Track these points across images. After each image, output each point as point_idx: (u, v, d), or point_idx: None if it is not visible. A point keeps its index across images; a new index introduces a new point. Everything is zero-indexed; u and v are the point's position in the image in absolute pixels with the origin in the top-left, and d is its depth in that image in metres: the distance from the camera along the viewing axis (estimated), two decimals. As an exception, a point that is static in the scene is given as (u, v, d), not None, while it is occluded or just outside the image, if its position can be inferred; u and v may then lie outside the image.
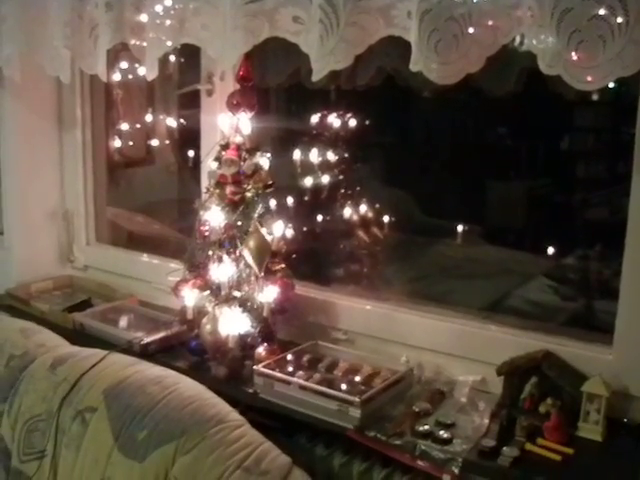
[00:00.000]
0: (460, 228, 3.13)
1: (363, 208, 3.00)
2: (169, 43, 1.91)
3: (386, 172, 3.29)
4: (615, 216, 3.18)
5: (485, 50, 1.45)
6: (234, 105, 2.08)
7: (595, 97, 3.05)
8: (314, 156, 2.88)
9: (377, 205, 3.04)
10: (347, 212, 2.98)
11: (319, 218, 3.00)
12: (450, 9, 1.43)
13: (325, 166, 2.94)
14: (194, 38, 1.88)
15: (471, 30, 1.44)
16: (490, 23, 1.45)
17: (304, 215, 2.89)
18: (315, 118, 2.97)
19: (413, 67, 1.47)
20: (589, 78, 1.32)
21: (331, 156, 2.93)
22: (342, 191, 3.00)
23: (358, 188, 3.03)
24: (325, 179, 2.92)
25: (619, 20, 1.29)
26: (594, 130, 3.26)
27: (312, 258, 2.78)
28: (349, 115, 2.97)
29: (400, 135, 3.21)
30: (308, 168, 2.93)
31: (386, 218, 3.04)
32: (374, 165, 3.27)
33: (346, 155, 2.96)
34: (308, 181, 2.90)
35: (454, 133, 3.30)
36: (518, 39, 1.69)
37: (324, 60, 1.56)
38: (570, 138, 3.29)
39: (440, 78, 1.45)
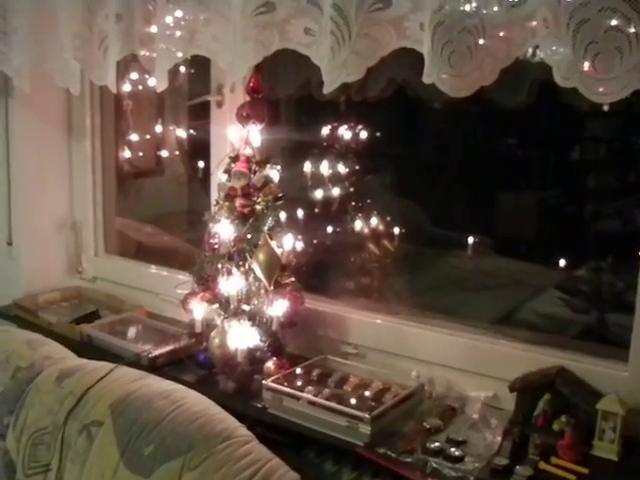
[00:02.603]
0: (470, 240, 3.12)
1: (373, 220, 2.98)
2: (179, 54, 1.90)
3: (396, 183, 3.28)
4: (627, 227, 3.17)
5: (499, 62, 1.43)
6: (244, 117, 2.06)
7: (606, 108, 3.03)
8: (324, 168, 2.86)
9: (387, 217, 3.02)
10: (357, 224, 2.96)
11: (328, 230, 2.98)
12: (463, 21, 1.41)
13: (335, 178, 2.92)
14: (204, 49, 1.86)
15: (485, 42, 1.42)
16: (504, 35, 1.42)
17: (313, 227, 2.87)
18: (325, 130, 2.96)
19: (426, 79, 1.45)
20: (606, 90, 1.30)
21: (341, 168, 2.92)
22: (352, 203, 2.98)
23: (368, 200, 3.02)
24: (335, 191, 2.90)
25: (636, 31, 1.27)
26: (605, 140, 3.24)
27: (320, 270, 2.76)
28: (359, 127, 2.96)
29: (410, 147, 3.20)
30: (317, 180, 2.91)
31: (396, 230, 3.02)
32: (384, 177, 3.26)
33: (356, 167, 2.95)
34: (317, 193, 2.88)
35: (464, 144, 3.28)
36: (530, 50, 1.68)
37: (335, 73, 1.54)
38: (581, 149, 3.27)
39: (453, 90, 1.43)
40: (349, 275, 2.93)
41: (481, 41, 1.42)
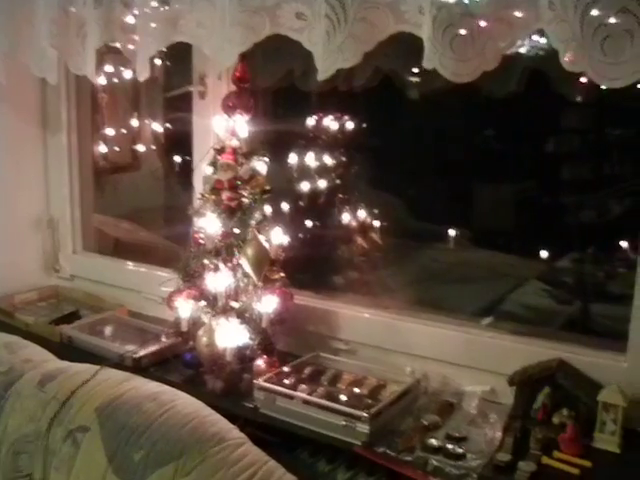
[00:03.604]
0: (450, 233, 3.11)
1: (354, 213, 2.93)
2: (162, 42, 1.82)
3: (375, 177, 3.24)
4: (606, 218, 3.18)
5: (502, 47, 1.38)
6: (230, 107, 2.00)
7: (582, 99, 3.04)
8: (301, 160, 2.80)
9: (368, 210, 2.98)
10: (339, 218, 2.92)
11: (309, 224, 2.93)
12: (465, 4, 1.36)
13: (317, 171, 2.87)
14: (189, 36, 1.79)
15: (487, 25, 1.36)
16: (507, 18, 1.37)
17: (295, 221, 2.82)
18: (306, 121, 2.90)
19: (427, 64, 1.39)
20: (616, 75, 1.25)
21: (322, 161, 2.86)
22: (334, 196, 2.93)
23: (348, 195, 2.97)
24: (315, 184, 2.85)
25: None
26: (583, 132, 3.24)
27: (304, 265, 2.70)
28: (341, 118, 2.91)
29: (389, 140, 3.16)
30: (297, 173, 2.86)
31: (377, 223, 2.98)
32: (364, 169, 3.21)
33: (340, 159, 2.89)
34: (298, 186, 2.82)
35: (444, 137, 3.27)
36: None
37: (331, 58, 1.48)
38: (559, 140, 3.27)
39: (456, 76, 1.38)
40: (333, 269, 2.89)
41: (483, 24, 1.36)
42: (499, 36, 1.38)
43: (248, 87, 2.01)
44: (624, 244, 2.76)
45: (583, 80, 2.71)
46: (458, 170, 3.24)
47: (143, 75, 1.90)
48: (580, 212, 3.20)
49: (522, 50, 2.26)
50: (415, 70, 2.53)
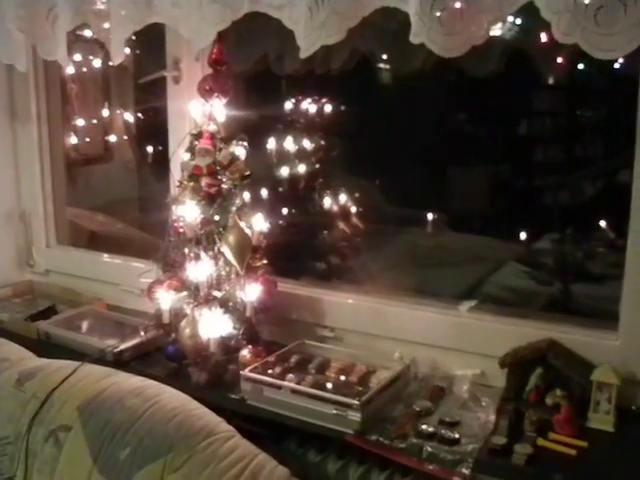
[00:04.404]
0: (428, 217, 3.11)
1: (335, 198, 2.90)
2: (136, 23, 1.75)
3: (354, 161, 3.22)
4: (580, 199, 3.20)
5: (491, 20, 1.33)
6: (206, 91, 1.94)
7: (554, 81, 3.05)
8: (279, 145, 2.75)
9: (348, 194, 2.95)
10: (320, 203, 2.88)
11: (290, 210, 2.90)
12: (453, -25, 1.31)
13: (296, 155, 2.83)
14: (164, 16, 1.73)
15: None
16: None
17: (275, 208, 2.78)
18: (283, 106, 2.86)
19: (414, 39, 1.35)
20: (610, 46, 1.22)
21: (301, 145, 2.82)
22: (314, 181, 2.90)
23: (328, 179, 2.94)
24: (295, 169, 2.80)
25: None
26: (558, 114, 3.26)
27: (285, 252, 2.67)
28: (318, 102, 2.87)
29: (369, 122, 3.14)
30: (276, 158, 2.82)
31: (357, 209, 2.96)
32: (343, 153, 3.18)
33: (319, 143, 2.85)
34: (277, 172, 2.78)
35: (425, 120, 3.26)
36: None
37: (314, 35, 1.43)
38: (535, 123, 3.29)
39: (445, 51, 1.33)
40: (315, 255, 2.86)
41: (473, -2, 1.32)
42: (488, 9, 1.33)
43: (225, 69, 1.95)
44: (602, 224, 2.77)
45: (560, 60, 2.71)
46: (435, 154, 3.24)
47: (118, 58, 1.84)
48: (556, 193, 3.22)
49: (501, 30, 2.24)
50: (393, 52, 2.49)
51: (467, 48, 1.34)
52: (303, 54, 1.47)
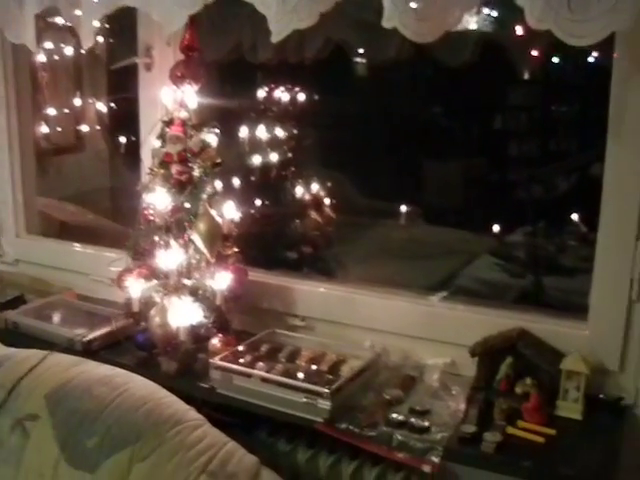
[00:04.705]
0: (402, 209, 3.10)
1: (307, 188, 2.88)
2: (107, 6, 1.73)
3: (323, 152, 3.20)
4: (553, 193, 3.22)
5: (464, 7, 1.33)
6: (178, 77, 1.92)
7: (529, 76, 3.06)
8: (252, 133, 2.73)
9: (315, 185, 2.93)
10: (292, 192, 2.86)
11: (261, 199, 2.87)
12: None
13: (269, 144, 2.80)
14: (135, 0, 1.70)
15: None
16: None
17: (247, 196, 2.76)
18: (256, 94, 2.83)
19: (386, 24, 1.34)
20: (583, 32, 1.22)
21: (273, 133, 2.79)
22: (286, 170, 2.87)
23: (300, 168, 2.92)
24: (267, 158, 2.78)
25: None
26: (531, 109, 3.28)
27: (256, 241, 2.65)
28: (292, 90, 2.85)
29: (342, 111, 3.13)
30: (248, 146, 2.79)
31: (329, 200, 2.94)
32: (316, 143, 3.17)
33: (291, 132, 2.83)
34: (249, 160, 2.75)
35: (398, 112, 3.25)
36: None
37: (286, 19, 1.42)
38: (508, 117, 3.30)
39: (417, 35, 1.33)
40: (287, 245, 2.84)
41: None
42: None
43: (197, 56, 1.93)
44: (574, 217, 2.78)
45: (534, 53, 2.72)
46: (409, 146, 3.24)
47: (88, 43, 1.81)
48: (530, 187, 3.23)
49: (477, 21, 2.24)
50: (367, 42, 2.48)
51: (440, 33, 1.34)
52: (275, 38, 1.46)
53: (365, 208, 3.25)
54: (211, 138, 1.96)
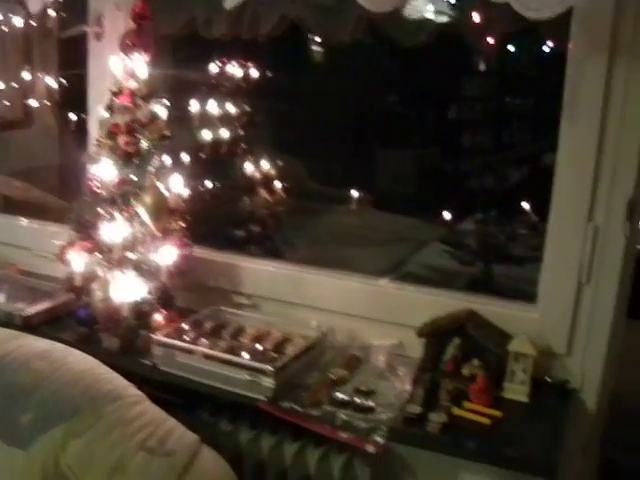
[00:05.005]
0: (353, 195, 3.09)
1: (250, 168, 2.82)
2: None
3: (274, 132, 3.16)
4: (503, 183, 3.25)
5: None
6: (128, 46, 1.87)
7: (484, 67, 3.08)
8: (203, 107, 2.66)
9: (266, 163, 2.88)
10: (242, 169, 2.80)
11: (211, 175, 2.81)
12: None
13: (220, 119, 2.74)
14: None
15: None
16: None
17: (196, 172, 2.70)
18: (209, 68, 2.76)
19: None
20: (540, 5, 1.20)
21: (225, 109, 2.73)
22: (237, 146, 2.82)
23: (251, 145, 2.87)
24: (217, 133, 2.71)
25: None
26: (485, 100, 3.30)
27: (205, 218, 2.60)
28: (244, 66, 2.79)
29: (293, 94, 3.09)
30: (199, 121, 2.73)
31: (276, 181, 2.89)
32: (263, 124, 3.12)
33: (243, 108, 2.78)
34: (199, 135, 2.68)
35: (352, 97, 3.23)
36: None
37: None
38: (459, 107, 3.32)
39: (374, 5, 1.30)
40: (235, 223, 2.79)
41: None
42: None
43: (148, 25, 1.88)
44: (525, 207, 2.80)
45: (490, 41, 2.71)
46: (362, 133, 3.22)
47: (35, 6, 1.74)
48: (482, 177, 3.25)
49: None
50: (322, 20, 2.44)
51: (396, 3, 1.31)
52: (228, 4, 1.42)
53: (315, 193, 3.23)
54: (160, 110, 1.91)
